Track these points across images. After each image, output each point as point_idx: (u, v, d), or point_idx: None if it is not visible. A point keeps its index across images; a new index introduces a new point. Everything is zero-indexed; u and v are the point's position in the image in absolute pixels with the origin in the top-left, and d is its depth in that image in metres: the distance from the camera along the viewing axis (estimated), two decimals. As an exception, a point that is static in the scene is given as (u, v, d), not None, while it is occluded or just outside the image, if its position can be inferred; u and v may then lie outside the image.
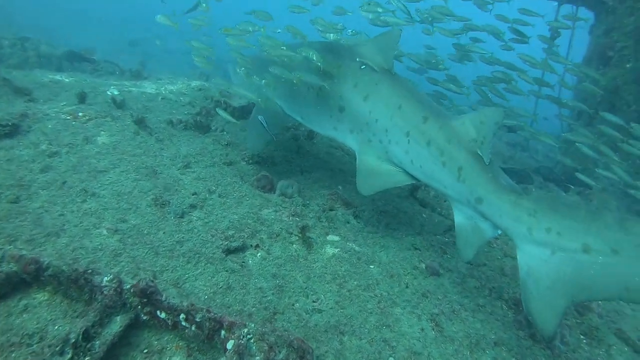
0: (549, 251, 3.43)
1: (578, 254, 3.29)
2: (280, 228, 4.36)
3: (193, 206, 4.38)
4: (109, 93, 6.87)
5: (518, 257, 3.60)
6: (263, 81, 5.03)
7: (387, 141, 4.39)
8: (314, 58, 4.60)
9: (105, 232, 3.73)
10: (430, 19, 6.32)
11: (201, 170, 5.08)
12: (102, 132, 5.36)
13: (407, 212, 5.52)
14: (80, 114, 5.67)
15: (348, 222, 4.87)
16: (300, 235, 4.32)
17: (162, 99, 7.07)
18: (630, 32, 7.94)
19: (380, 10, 5.18)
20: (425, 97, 4.61)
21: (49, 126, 5.26)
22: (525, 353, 3.81)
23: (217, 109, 6.12)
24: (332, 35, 5.15)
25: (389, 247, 4.59)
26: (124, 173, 4.66)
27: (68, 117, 5.55)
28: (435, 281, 4.28)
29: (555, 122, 9.30)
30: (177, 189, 4.59)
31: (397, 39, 4.66)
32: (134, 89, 7.26)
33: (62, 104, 5.93)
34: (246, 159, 5.66)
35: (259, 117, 5.23)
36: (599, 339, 4.33)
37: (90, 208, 4.00)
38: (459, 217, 4.08)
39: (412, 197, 6.08)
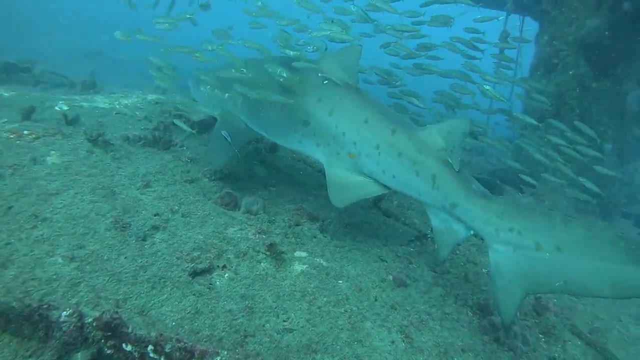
0: (511, 249, 3.83)
1: (532, 251, 3.70)
2: (247, 247, 4.27)
3: (155, 228, 4.22)
4: (57, 108, 6.57)
5: (489, 254, 3.98)
6: (226, 95, 4.96)
7: (357, 154, 4.56)
8: (277, 73, 4.58)
9: (60, 260, 3.53)
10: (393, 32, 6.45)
11: (162, 189, 4.92)
12: (52, 152, 5.10)
13: (372, 224, 5.56)
14: (25, 132, 5.37)
15: (315, 237, 4.84)
16: (267, 253, 4.25)
17: (116, 113, 6.81)
18: (571, 41, 8.40)
19: (336, 29, 5.22)
20: (391, 110, 4.82)
21: (-8, 146, 4.96)
22: (490, 357, 3.92)
23: (174, 120, 5.96)
24: (291, 52, 5.13)
25: (357, 260, 4.59)
26: (79, 195, 4.44)
27: (11, 136, 5.25)
28: (403, 292, 4.32)
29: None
30: (137, 210, 4.42)
31: (358, 54, 4.87)
32: (85, 103, 6.97)
33: (2, 121, 5.60)
34: (208, 176, 5.53)
35: (222, 132, 5.13)
36: (555, 336, 4.52)
37: (42, 235, 3.77)
38: (435, 221, 4.37)
39: (376, 207, 6.13)
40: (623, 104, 8.09)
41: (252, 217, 4.86)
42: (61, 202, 4.26)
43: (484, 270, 5.19)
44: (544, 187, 8.10)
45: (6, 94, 6.81)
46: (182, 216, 4.52)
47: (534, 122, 7.03)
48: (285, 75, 4.65)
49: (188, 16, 6.03)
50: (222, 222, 4.58)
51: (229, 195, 4.97)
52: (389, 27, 6.12)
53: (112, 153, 5.41)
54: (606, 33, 7.84)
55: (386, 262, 4.73)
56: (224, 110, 5.09)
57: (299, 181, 6.26)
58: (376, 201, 6.17)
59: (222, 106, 5.10)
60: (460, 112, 8.02)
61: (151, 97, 7.81)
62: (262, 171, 6.20)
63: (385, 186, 4.57)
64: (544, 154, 7.50)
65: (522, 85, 7.59)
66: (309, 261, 4.35)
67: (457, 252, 5.45)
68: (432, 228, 4.46)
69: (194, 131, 5.89)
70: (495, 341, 4.10)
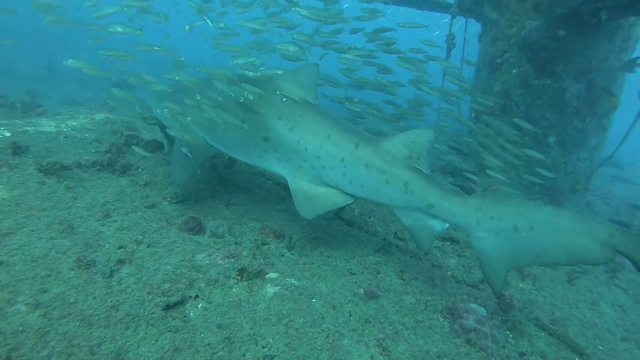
0: (493, 234, 4.39)
1: (511, 233, 4.29)
2: (218, 273, 4.23)
3: (121, 262, 4.10)
4: (-1, 136, 6.22)
5: (472, 242, 4.52)
6: (184, 112, 4.89)
7: (321, 167, 4.79)
8: (239, 91, 4.63)
9: (23, 308, 3.36)
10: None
11: (123, 219, 4.78)
12: (0, 186, 4.83)
13: (337, 236, 5.63)
14: (-32, 166, 5.07)
15: (283, 256, 4.86)
16: (238, 277, 4.23)
17: (64, 137, 6.52)
18: (513, 42, 8.78)
19: (292, 49, 5.26)
20: (351, 125, 5.00)
21: None
22: (464, 359, 4.07)
23: (132, 147, 5.79)
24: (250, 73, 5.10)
25: (327, 276, 4.64)
26: (35, 232, 4.24)
27: (-47, 172, 4.94)
28: (375, 304, 4.41)
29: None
30: (100, 244, 4.27)
31: (315, 71, 5.03)
32: (29, 128, 6.62)
33: (-56, 156, 5.26)
34: (168, 199, 5.42)
35: (182, 149, 5.05)
36: (521, 332, 4.73)
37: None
38: (407, 220, 4.77)
39: (338, 217, 6.21)
40: (563, 99, 8.54)
41: (219, 240, 4.82)
42: (16, 243, 4.05)
43: (448, 272, 5.38)
44: (489, 181, 8.45)
45: (-58, 124, 6.37)
46: (148, 246, 4.41)
47: (473, 125, 7.38)
48: (246, 93, 4.67)
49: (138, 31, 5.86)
50: (189, 249, 4.51)
51: (193, 220, 4.89)
52: (347, 46, 6.21)
53: (65, 182, 5.19)
54: (544, 33, 8.25)
55: (355, 275, 4.81)
56: (184, 127, 5.01)
57: (260, 197, 6.24)
58: (338, 212, 6.24)
59: (181, 123, 5.01)
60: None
61: (99, 116, 7.52)
62: (222, 190, 6.14)
63: (350, 195, 4.84)
64: (489, 151, 7.80)
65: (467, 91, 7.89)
66: (281, 282, 4.36)
67: (422, 257, 5.61)
68: (406, 227, 4.82)
69: (150, 154, 5.76)
70: (467, 343, 4.26)
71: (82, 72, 5.12)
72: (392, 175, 4.59)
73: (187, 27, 5.36)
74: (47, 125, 6.89)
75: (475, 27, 10.49)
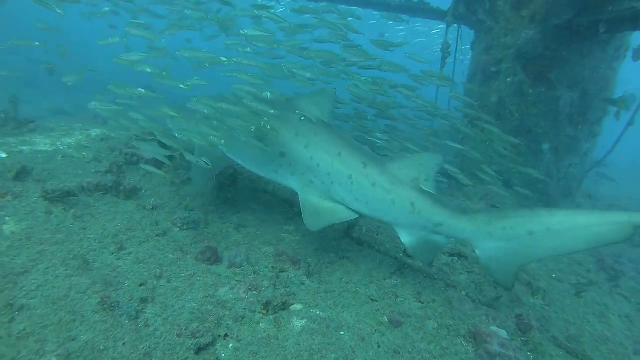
0: (504, 241, 4.67)
1: (525, 238, 4.59)
2: (243, 308, 4.15)
3: (144, 300, 3.98)
4: (-6, 157, 5.95)
5: (478, 253, 4.78)
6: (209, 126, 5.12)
7: (330, 182, 5.06)
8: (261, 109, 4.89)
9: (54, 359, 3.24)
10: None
11: (138, 250, 4.64)
12: (7, 218, 4.62)
13: (350, 258, 5.60)
14: (-29, 196, 4.83)
15: (303, 284, 4.81)
16: (264, 312, 4.17)
17: (62, 157, 6.29)
18: (508, 50, 8.87)
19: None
20: (361, 146, 5.27)
21: None
22: (488, 385, 4.12)
23: (141, 165, 5.64)
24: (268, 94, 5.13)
25: (350, 305, 4.62)
26: (51, 270, 4.08)
27: (-44, 204, 4.70)
28: (401, 332, 4.42)
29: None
30: (119, 281, 4.14)
31: (332, 95, 5.42)
32: (24, 147, 6.36)
33: (-58, 185, 5.00)
34: (179, 225, 5.29)
35: (203, 159, 5.12)
36: (542, 352, 4.77)
37: (24, 329, 3.43)
38: (407, 238, 4.97)
39: (348, 236, 6.19)
40: (557, 107, 8.70)
41: (238, 270, 4.73)
42: (34, 283, 3.89)
43: (463, 292, 5.42)
44: (482, 186, 8.61)
45: None
46: (168, 281, 4.30)
47: (471, 133, 7.47)
48: (268, 111, 4.88)
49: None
50: (211, 283, 4.41)
51: (209, 250, 4.79)
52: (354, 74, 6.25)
53: (72, 211, 5.00)
54: (540, 43, 8.36)
55: (377, 301, 4.80)
56: (205, 140, 5.14)
57: (268, 217, 6.15)
58: (348, 230, 6.23)
59: (202, 135, 5.12)
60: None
61: (95, 132, 7.28)
62: (228, 210, 6.03)
63: (355, 212, 5.08)
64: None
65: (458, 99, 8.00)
66: (306, 314, 4.31)
67: (435, 276, 5.64)
68: (406, 245, 4.99)
69: (160, 172, 5.63)
70: (491, 368, 4.31)
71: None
72: (398, 195, 4.81)
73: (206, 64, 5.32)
74: (43, 143, 6.63)
75: (468, 34, 10.53)
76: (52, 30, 7.16)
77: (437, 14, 10.62)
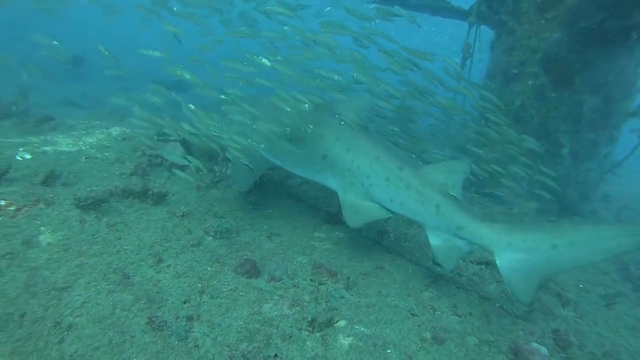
0: (525, 253, 4.75)
1: (548, 251, 4.66)
2: (290, 326, 4.08)
3: (190, 318, 3.89)
4: (19, 158, 5.81)
5: (498, 262, 4.85)
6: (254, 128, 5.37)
7: (369, 184, 5.38)
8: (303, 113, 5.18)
9: (110, 385, 3.16)
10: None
11: (176, 263, 4.54)
12: (42, 228, 4.51)
13: (384, 268, 5.54)
14: (2, 202, 4.70)
15: (343, 297, 4.74)
16: (309, 329, 4.10)
17: (86, 158, 6.15)
18: (531, 53, 8.76)
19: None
20: (397, 149, 5.66)
21: (-32, 230, 4.28)
22: (529, 403, 4.10)
23: (174, 171, 5.54)
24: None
25: (392, 320, 4.56)
26: (93, 285, 3.99)
27: (-13, 211, 4.57)
28: (445, 350, 4.37)
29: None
30: (162, 297, 4.05)
31: (369, 100, 5.91)
32: (47, 147, 6.20)
33: (-30, 191, 4.85)
34: (211, 233, 5.20)
35: (243, 161, 5.23)
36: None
37: (75, 351, 3.35)
38: (435, 240, 5.19)
39: (378, 244, 6.13)
40: (580, 112, 8.63)
41: (278, 284, 4.64)
42: (77, 299, 3.80)
43: (497, 304, 5.40)
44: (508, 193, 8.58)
45: (-48, 146, 5.87)
46: (211, 297, 4.21)
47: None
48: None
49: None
50: (254, 298, 4.33)
51: (249, 262, 4.69)
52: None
53: (105, 219, 4.90)
54: (565, 46, 8.26)
55: (417, 315, 4.74)
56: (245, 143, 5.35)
57: (299, 225, 6.06)
58: (378, 238, 6.17)
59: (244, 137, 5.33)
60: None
61: (115, 131, 7.12)
62: (258, 216, 5.94)
63: (389, 211, 5.37)
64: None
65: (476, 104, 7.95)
66: (351, 331, 4.25)
67: (468, 288, 5.61)
68: (432, 247, 5.19)
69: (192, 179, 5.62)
70: (534, 385, 4.30)
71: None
72: (426, 197, 5.11)
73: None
74: (65, 143, 6.47)
75: (487, 34, 10.39)
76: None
77: (458, 13, 10.46)
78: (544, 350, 4.64)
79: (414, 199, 5.17)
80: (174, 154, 6.39)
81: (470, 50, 9.54)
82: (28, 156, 5.85)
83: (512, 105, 9.11)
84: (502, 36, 9.49)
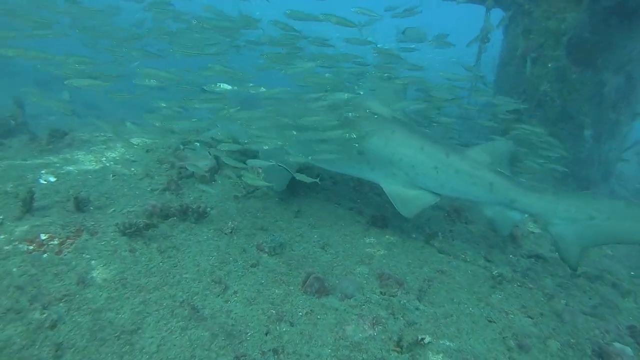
0: (568, 222, 5.35)
1: (587, 221, 5.29)
2: (379, 349, 3.81)
3: (276, 352, 3.59)
4: (43, 182, 5.37)
5: (549, 229, 5.48)
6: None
7: (415, 174, 5.51)
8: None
9: None
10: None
11: (242, 288, 4.22)
12: (93, 262, 4.12)
13: (445, 271, 5.29)
14: (43, 236, 4.28)
15: (418, 309, 4.49)
16: (397, 350, 3.86)
17: (113, 176, 5.71)
18: (551, 34, 8.57)
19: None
20: (439, 137, 5.81)
21: (14, 270, 3.87)
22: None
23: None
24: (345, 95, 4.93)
25: (473, 330, 4.34)
26: (163, 324, 3.65)
27: (30, 247, 4.15)
28: (531, 357, 4.18)
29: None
30: (240, 330, 3.73)
31: (403, 91, 5.84)
32: (70, 167, 5.74)
33: (8, 229, 4.38)
34: (266, 250, 4.87)
35: (277, 163, 5.45)
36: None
37: (168, 404, 3.03)
38: (489, 213, 5.63)
39: (429, 245, 5.91)
40: (602, 93, 8.51)
41: (351, 301, 4.36)
42: (151, 342, 3.47)
43: (563, 301, 5.24)
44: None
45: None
46: (291, 325, 3.91)
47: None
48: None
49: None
50: (333, 321, 4.04)
51: (317, 281, 4.39)
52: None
53: (155, 245, 4.53)
54: (586, 27, 8.09)
55: (495, 322, 4.55)
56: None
57: (346, 230, 5.77)
58: (428, 240, 5.95)
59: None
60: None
61: (136, 142, 6.66)
62: (303, 226, 5.63)
63: (438, 195, 5.59)
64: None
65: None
66: (439, 347, 4.01)
67: (531, 286, 5.43)
68: (487, 218, 5.69)
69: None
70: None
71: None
72: (479, 178, 5.40)
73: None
74: (87, 160, 6.01)
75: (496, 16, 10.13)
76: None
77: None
78: (629, 350, 4.50)
79: (465, 181, 5.43)
80: (199, 164, 6.03)
81: (489, 35, 9.30)
82: (53, 179, 5.39)
83: (533, 89, 8.94)
84: (518, 18, 9.27)
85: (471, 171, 5.41)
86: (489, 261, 5.91)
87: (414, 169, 5.48)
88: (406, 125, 5.65)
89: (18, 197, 4.77)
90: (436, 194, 5.57)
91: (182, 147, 6.51)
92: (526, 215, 5.70)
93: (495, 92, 10.28)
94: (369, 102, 5.67)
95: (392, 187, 5.60)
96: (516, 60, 9.25)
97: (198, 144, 5.61)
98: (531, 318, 4.81)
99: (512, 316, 4.76)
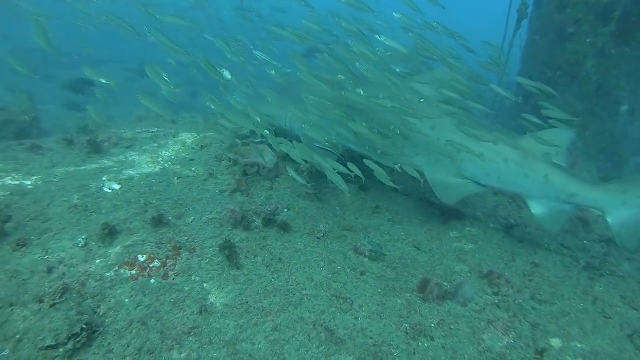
0: (637, 209, 4.97)
1: None
2: (521, 357, 3.66)
3: (431, 372, 3.39)
4: (107, 190, 4.89)
5: (609, 221, 5.05)
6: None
7: (459, 160, 5.25)
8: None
9: None
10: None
11: (366, 302, 3.96)
12: (206, 285, 3.77)
13: (539, 264, 5.12)
14: (141, 257, 3.88)
15: (534, 309, 4.32)
16: (537, 357, 3.72)
17: (177, 179, 5.26)
18: (589, 7, 8.39)
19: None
20: (488, 124, 5.44)
21: (126, 301, 3.49)
22: None
23: (289, 170, 5.06)
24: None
25: (595, 329, 4.21)
26: (304, 351, 3.39)
27: (133, 272, 3.75)
28: None
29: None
30: (383, 350, 3.50)
31: (446, 74, 5.26)
32: (131, 171, 5.25)
33: (96, 246, 3.95)
34: (365, 254, 4.63)
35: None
36: None
37: None
38: (539, 209, 5.24)
39: (508, 235, 5.76)
40: (640, 67, 8.46)
41: (475, 306, 4.17)
42: (302, 374, 3.19)
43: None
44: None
45: (28, 183, 4.79)
46: (430, 338, 3.70)
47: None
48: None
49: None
50: (468, 330, 3.85)
51: (437, 287, 4.17)
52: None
53: (258, 259, 4.20)
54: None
55: (611, 318, 4.45)
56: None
57: (428, 226, 5.54)
58: (508, 230, 5.79)
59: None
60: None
61: (188, 139, 6.17)
62: (395, 225, 5.38)
63: (483, 185, 5.34)
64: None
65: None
66: (572, 350, 3.89)
67: (620, 274, 5.35)
68: (535, 215, 5.29)
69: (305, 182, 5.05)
70: None
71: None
72: (531, 169, 5.05)
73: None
74: (143, 162, 5.52)
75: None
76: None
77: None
78: None
79: (514, 172, 5.11)
80: (266, 158, 5.66)
81: (527, 10, 9.03)
82: (116, 186, 4.91)
83: (568, 64, 8.79)
84: (552, -8, 9.03)
85: (523, 161, 5.06)
86: (565, 247, 5.82)
87: (458, 156, 5.21)
88: (453, 110, 5.27)
89: (87, 209, 4.33)
90: (480, 184, 5.32)
91: (238, 141, 6.06)
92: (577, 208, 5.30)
93: (522, 67, 10.16)
94: (414, 84, 5.33)
95: (434, 175, 5.36)
96: (550, 35, 9.05)
97: (267, 131, 5.12)
98: (636, 310, 4.75)
99: (619, 309, 4.69)
